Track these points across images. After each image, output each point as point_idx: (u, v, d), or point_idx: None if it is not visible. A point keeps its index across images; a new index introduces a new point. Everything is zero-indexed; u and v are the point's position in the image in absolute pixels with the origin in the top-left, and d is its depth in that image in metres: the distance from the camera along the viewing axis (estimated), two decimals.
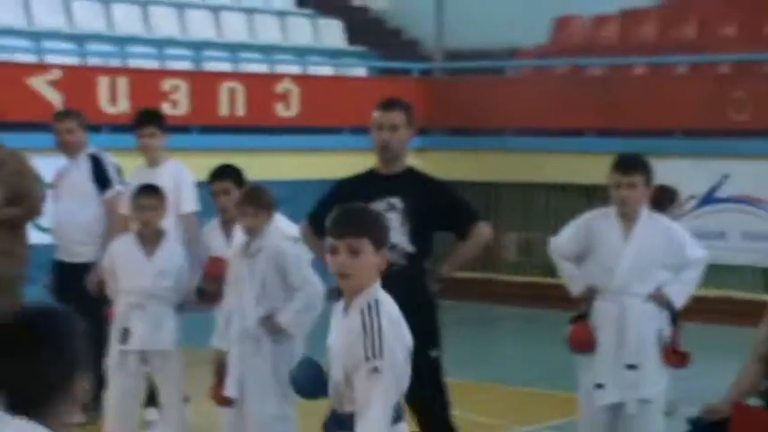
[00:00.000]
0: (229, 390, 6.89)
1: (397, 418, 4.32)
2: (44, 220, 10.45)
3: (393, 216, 6.50)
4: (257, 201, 6.87)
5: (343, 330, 4.35)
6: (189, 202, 8.62)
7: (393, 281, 6.40)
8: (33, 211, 9.39)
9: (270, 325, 6.83)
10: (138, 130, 8.66)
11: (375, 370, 4.17)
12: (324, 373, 4.45)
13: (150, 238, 7.58)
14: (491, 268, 17.28)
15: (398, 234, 6.48)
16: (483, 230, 6.70)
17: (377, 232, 4.34)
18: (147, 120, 8.76)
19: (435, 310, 6.63)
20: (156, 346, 7.49)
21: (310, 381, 4.53)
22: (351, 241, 4.27)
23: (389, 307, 4.37)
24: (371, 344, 4.20)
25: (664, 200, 8.73)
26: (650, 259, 6.68)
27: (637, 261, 6.67)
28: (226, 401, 6.96)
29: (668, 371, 6.85)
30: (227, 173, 7.61)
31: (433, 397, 6.53)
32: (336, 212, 4.48)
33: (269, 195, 6.94)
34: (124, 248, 7.65)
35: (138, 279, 7.52)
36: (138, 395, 7.62)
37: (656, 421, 6.78)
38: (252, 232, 6.88)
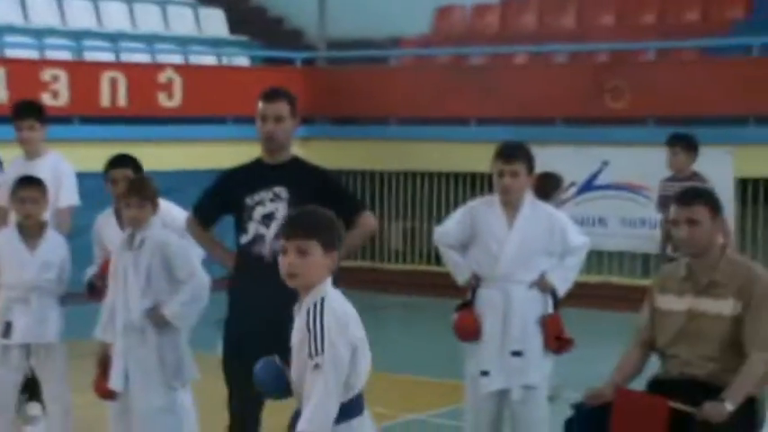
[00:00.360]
0: (114, 383, 6.83)
1: (352, 413, 4.46)
2: None
3: (279, 206, 6.49)
4: (142, 192, 6.82)
5: (296, 329, 4.58)
6: (69, 195, 8.50)
7: (279, 271, 6.46)
8: None
9: (155, 317, 6.79)
10: (18, 122, 8.52)
11: (316, 366, 4.38)
12: (285, 373, 4.60)
13: (32, 231, 7.47)
14: (376, 257, 17.35)
15: None
16: (368, 220, 6.72)
17: (326, 234, 4.49)
18: (26, 112, 8.62)
19: None
20: (41, 339, 7.40)
21: (272, 380, 4.66)
22: (299, 242, 4.45)
23: (336, 304, 4.49)
24: (314, 341, 4.39)
25: (548, 186, 8.86)
26: (534, 246, 6.77)
27: (520, 248, 6.75)
28: (110, 394, 6.91)
29: (551, 357, 6.96)
30: (126, 161, 7.53)
31: None
32: (289, 214, 4.72)
33: (153, 186, 6.89)
34: (5, 241, 7.52)
35: (21, 272, 7.41)
36: (18, 389, 7.51)
37: (541, 407, 6.88)
38: (136, 223, 6.82)
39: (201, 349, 8.51)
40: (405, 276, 16.90)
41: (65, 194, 8.49)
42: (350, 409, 4.46)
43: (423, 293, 15.62)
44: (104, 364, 6.91)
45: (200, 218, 6.79)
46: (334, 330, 4.41)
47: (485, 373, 6.78)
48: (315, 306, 4.49)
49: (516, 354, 6.74)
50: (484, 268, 6.81)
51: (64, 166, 8.54)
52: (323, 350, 4.39)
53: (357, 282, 16.46)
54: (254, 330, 6.51)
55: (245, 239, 6.55)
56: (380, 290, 16.15)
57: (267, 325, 6.48)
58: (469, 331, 6.83)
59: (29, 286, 7.40)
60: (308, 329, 4.45)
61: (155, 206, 6.87)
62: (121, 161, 7.53)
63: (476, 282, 6.85)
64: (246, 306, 6.59)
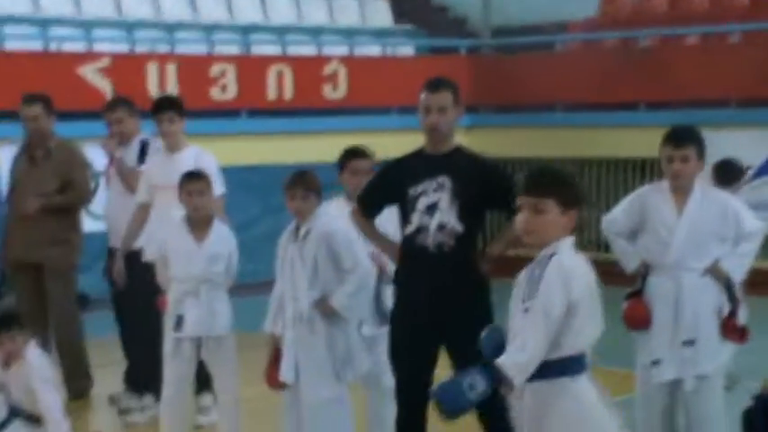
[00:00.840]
0: (284, 374, 6.88)
1: (567, 371, 4.44)
2: (97, 208, 10.51)
3: (442, 196, 6.43)
4: (306, 183, 6.85)
5: (517, 284, 4.57)
6: (216, 186, 8.61)
7: (445, 262, 6.42)
8: (83, 199, 9.44)
9: (323, 308, 6.81)
10: (158, 116, 8.62)
11: (526, 310, 4.39)
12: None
13: (200, 224, 7.56)
14: None
15: (448, 214, 6.42)
16: None
17: (563, 193, 4.44)
18: (165, 105, 8.71)
19: (487, 291, 6.56)
20: (211, 331, 7.48)
21: (496, 348, 4.51)
22: (535, 201, 4.41)
23: (567, 261, 4.43)
24: (528, 288, 4.39)
25: (729, 175, 8.63)
26: (705, 232, 6.57)
27: (691, 235, 6.56)
28: (280, 385, 6.95)
29: (728, 345, 6.74)
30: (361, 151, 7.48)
31: None
32: (529, 172, 4.64)
33: (316, 178, 6.92)
34: (174, 235, 7.63)
35: (190, 265, 7.50)
36: (192, 381, 7.62)
37: (716, 397, 6.67)
38: (301, 215, 6.86)
39: None
40: None
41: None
42: (565, 368, 4.43)
43: None
44: (275, 356, 6.96)
45: (364, 208, 6.77)
46: (553, 282, 4.37)
47: (656, 363, 6.61)
48: (542, 260, 4.46)
49: (688, 343, 6.55)
50: (654, 256, 6.64)
51: (205, 157, 8.60)
52: (534, 296, 4.37)
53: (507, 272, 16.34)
54: (420, 321, 6.48)
55: (408, 230, 6.51)
56: None
57: (433, 315, 6.45)
58: (639, 320, 6.66)
59: (198, 279, 7.48)
60: (528, 280, 4.44)
61: (319, 198, 6.88)
62: (359, 152, 7.51)
63: (645, 270, 6.69)
64: (412, 297, 6.55)
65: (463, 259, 6.43)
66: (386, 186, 6.70)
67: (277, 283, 7.01)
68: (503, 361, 4.31)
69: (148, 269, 7.87)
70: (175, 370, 7.51)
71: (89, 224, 10.98)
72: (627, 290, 6.82)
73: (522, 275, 4.53)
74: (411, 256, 6.52)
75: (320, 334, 6.88)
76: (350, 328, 6.98)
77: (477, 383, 4.21)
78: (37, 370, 7.91)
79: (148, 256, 8.33)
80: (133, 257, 8.69)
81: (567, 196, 4.44)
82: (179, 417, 7.54)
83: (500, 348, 4.46)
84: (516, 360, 4.35)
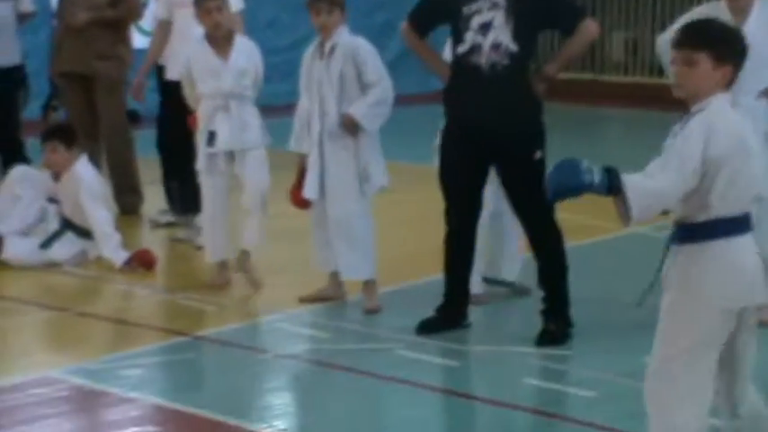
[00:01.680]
0: (308, 191, 6.93)
1: (730, 231, 4.21)
2: (146, 24, 10.46)
3: (496, 14, 6.32)
4: None
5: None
6: (234, 1, 8.52)
7: (498, 81, 6.35)
8: (133, 14, 9.40)
9: (345, 119, 6.85)
10: None
11: (664, 149, 4.21)
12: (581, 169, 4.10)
13: (222, 41, 7.50)
14: (596, 68, 17.00)
15: (502, 33, 6.32)
16: (590, 27, 6.48)
17: (718, 47, 4.24)
18: None
19: (541, 111, 6.50)
20: (243, 145, 7.48)
21: (569, 174, 4.11)
22: (686, 53, 4.23)
23: (716, 117, 4.21)
24: (673, 136, 4.23)
25: None
26: (765, 53, 6.45)
27: (750, 55, 6.42)
28: (304, 204, 7.02)
29: None
30: None
31: (539, 200, 6.42)
32: (685, 23, 4.47)
33: None
34: (196, 53, 7.57)
35: (218, 81, 7.46)
36: (227, 194, 7.64)
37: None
38: (326, 31, 6.85)
39: (420, 161, 8.56)
40: (626, 89, 16.54)
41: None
42: (716, 230, 4.22)
43: (644, 106, 15.28)
44: (300, 175, 6.99)
45: (417, 26, 6.68)
46: (694, 134, 4.17)
47: None
48: (691, 114, 4.27)
49: None
50: None
51: None
52: (675, 139, 4.21)
53: (577, 94, 16.25)
54: (471, 141, 6.45)
55: (461, 49, 6.42)
56: (601, 102, 15.87)
57: (484, 135, 6.41)
58: None
59: (227, 95, 7.46)
60: (675, 133, 4.23)
61: (343, 13, 6.89)
62: None
63: None
64: (463, 117, 6.50)
65: (517, 79, 6.36)
66: (439, 3, 6.60)
67: (301, 102, 7.03)
68: (626, 177, 4.08)
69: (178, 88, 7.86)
70: (212, 186, 7.55)
71: (139, 40, 10.96)
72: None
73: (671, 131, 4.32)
74: (463, 75, 6.44)
75: (349, 149, 6.91)
76: (375, 143, 7.03)
77: (594, 173, 4.00)
78: (85, 184, 8.01)
79: (172, 75, 8.35)
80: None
81: (721, 50, 4.24)
82: (221, 232, 7.58)
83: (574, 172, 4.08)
84: (640, 183, 4.11)
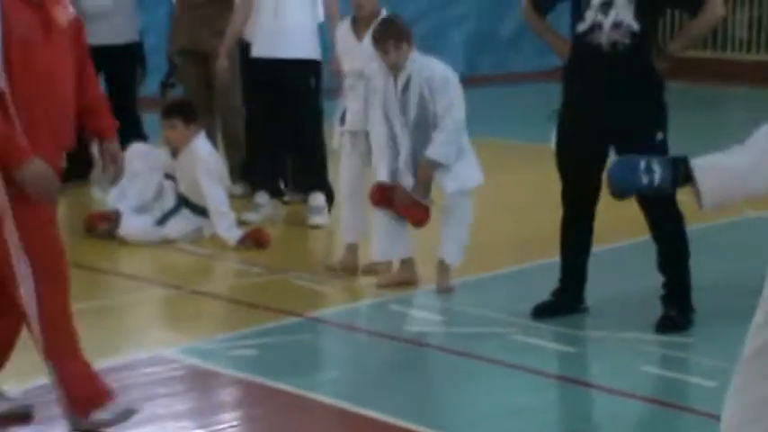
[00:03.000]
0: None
1: None
2: None
3: None
4: (396, 34, 6.84)
5: None
6: None
7: (619, 61, 6.19)
8: None
9: (425, 164, 6.83)
10: None
11: None
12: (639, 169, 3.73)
13: (362, 21, 7.49)
14: (718, 46, 16.64)
15: (624, 11, 6.15)
16: (716, 5, 6.29)
17: None
18: None
19: (662, 91, 6.32)
20: (364, 126, 7.43)
21: (626, 175, 3.74)
22: None
23: None
24: None
25: None
26: None
27: None
28: (423, 218, 6.99)
29: None
30: None
31: None
32: None
33: (405, 24, 6.93)
34: (341, 33, 7.73)
35: (352, 61, 7.51)
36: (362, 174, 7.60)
37: None
38: (398, 68, 6.84)
39: (535, 140, 8.46)
40: (750, 67, 16.17)
41: None
42: None
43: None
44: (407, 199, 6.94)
45: (537, 3, 6.54)
46: None
47: None
48: None
49: None
50: None
51: None
52: None
53: (699, 73, 15.93)
54: (590, 121, 6.30)
55: (582, 28, 6.27)
56: (724, 81, 15.54)
57: (603, 116, 6.26)
58: None
59: (357, 74, 7.45)
60: None
61: (411, 42, 6.88)
62: None
63: None
64: (582, 97, 6.35)
65: (638, 58, 6.19)
66: None
67: (377, 128, 7.04)
68: (699, 161, 3.63)
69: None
70: (347, 165, 7.56)
71: None
72: None
73: None
74: (583, 54, 6.29)
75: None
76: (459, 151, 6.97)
77: (655, 169, 3.68)
78: (202, 162, 8.03)
79: (257, 52, 8.36)
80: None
81: None
82: (355, 213, 7.52)
83: (633, 172, 3.73)
84: (715, 164, 3.61)
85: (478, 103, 8.53)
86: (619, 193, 3.78)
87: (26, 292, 4.70)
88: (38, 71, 4.61)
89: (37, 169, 4.59)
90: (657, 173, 3.64)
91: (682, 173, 3.62)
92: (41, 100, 4.64)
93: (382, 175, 6.99)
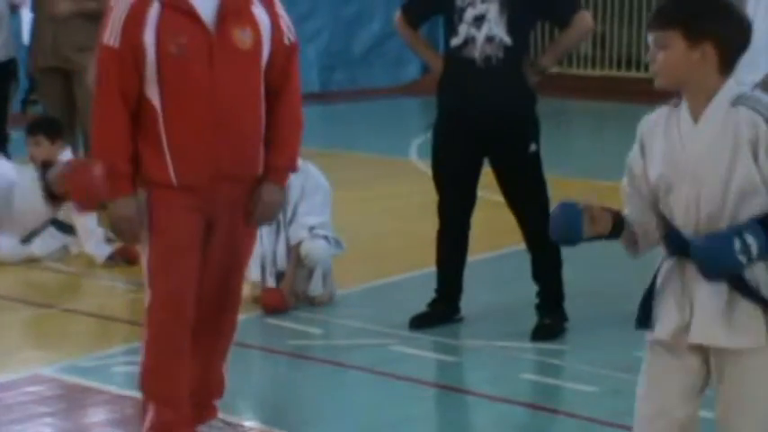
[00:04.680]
0: None
1: None
2: None
3: (490, 6, 6.25)
4: None
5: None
6: None
7: (493, 74, 6.29)
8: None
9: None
10: None
11: None
12: (580, 220, 3.58)
13: None
14: (564, 63, 17.01)
15: (496, 26, 6.26)
16: (585, 18, 6.45)
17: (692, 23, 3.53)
18: None
19: (534, 104, 6.45)
20: None
21: (568, 225, 3.62)
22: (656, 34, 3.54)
23: None
24: None
25: None
26: (757, 45, 6.40)
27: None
28: None
29: None
30: None
31: (536, 192, 6.41)
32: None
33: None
34: None
35: None
36: None
37: None
38: None
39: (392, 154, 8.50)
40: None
41: None
42: None
43: (611, 99, 15.38)
44: None
45: (410, 17, 6.61)
46: None
47: None
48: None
49: None
50: None
51: None
52: None
53: (545, 87, 16.20)
54: (465, 134, 6.40)
55: (455, 42, 6.36)
56: (569, 96, 15.86)
57: (478, 128, 6.36)
58: None
59: None
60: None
61: None
62: None
63: None
64: (456, 109, 6.45)
65: (511, 72, 6.31)
66: None
67: None
68: None
69: None
70: None
71: None
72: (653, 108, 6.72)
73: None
74: (457, 68, 6.38)
75: None
76: None
77: (751, 243, 3.37)
78: None
79: None
80: None
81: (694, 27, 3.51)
82: None
83: (574, 223, 3.59)
84: None
85: (334, 118, 8.55)
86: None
87: None
88: (194, 92, 4.44)
89: (120, 211, 4.46)
90: (754, 246, 3.40)
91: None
92: (197, 123, 4.44)
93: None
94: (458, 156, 6.44)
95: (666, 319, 3.59)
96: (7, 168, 3.55)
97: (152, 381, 4.69)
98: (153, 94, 4.41)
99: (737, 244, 3.38)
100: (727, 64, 3.53)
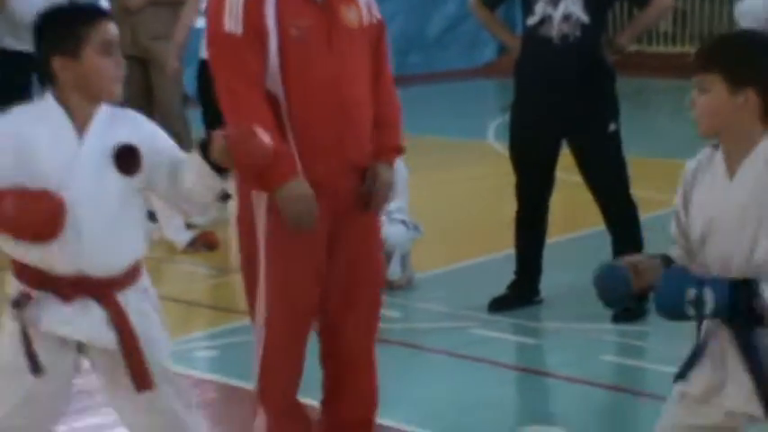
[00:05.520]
0: None
1: None
2: (203, 4, 10.33)
3: None
4: None
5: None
6: None
7: (570, 53, 6.24)
8: None
9: None
10: None
11: None
12: (629, 280, 3.46)
13: None
14: (644, 40, 16.84)
15: (573, 4, 6.21)
16: None
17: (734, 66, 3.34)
18: None
19: (613, 83, 6.39)
20: None
21: (615, 287, 3.51)
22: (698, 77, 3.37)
23: None
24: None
25: None
26: None
27: None
28: None
29: None
30: None
31: (616, 172, 6.35)
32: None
33: None
34: None
35: None
36: None
37: None
38: None
39: (481, 137, 8.49)
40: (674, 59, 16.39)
41: None
42: None
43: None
44: None
45: None
46: None
47: None
48: None
49: None
50: None
51: None
52: None
53: (624, 66, 16.07)
54: (543, 114, 6.35)
55: (531, 21, 6.32)
56: (648, 75, 15.71)
57: (555, 108, 6.32)
58: None
59: None
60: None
61: None
62: None
63: None
64: (534, 89, 6.40)
65: (588, 51, 6.25)
66: None
67: None
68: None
69: None
70: None
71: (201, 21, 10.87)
72: None
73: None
74: (534, 47, 6.34)
75: None
76: None
77: (707, 301, 3.23)
78: None
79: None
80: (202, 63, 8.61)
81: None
82: None
83: (622, 285, 3.46)
84: None
85: (410, 101, 8.47)
86: (609, 303, 3.56)
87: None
88: (318, 78, 4.08)
89: (295, 191, 4.04)
90: (710, 304, 3.25)
91: (743, 299, 3.26)
92: (322, 110, 4.09)
93: None
94: (536, 137, 6.40)
95: (701, 376, 3.48)
96: (170, 145, 3.49)
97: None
98: (274, 83, 4.08)
99: (691, 294, 3.23)
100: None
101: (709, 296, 3.22)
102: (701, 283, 3.25)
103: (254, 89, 4.05)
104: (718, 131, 3.39)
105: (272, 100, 4.06)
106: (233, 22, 4.03)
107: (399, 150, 4.37)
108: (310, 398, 4.63)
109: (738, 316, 3.26)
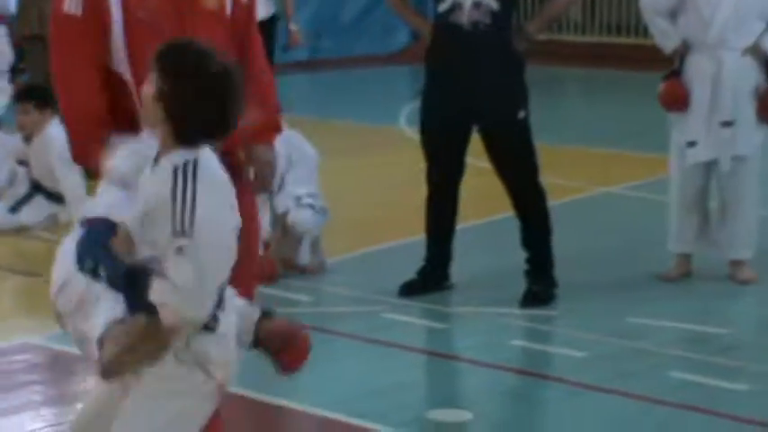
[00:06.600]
0: None
1: None
2: None
3: None
4: None
5: None
6: None
7: (480, 40, 6.28)
8: None
9: None
10: None
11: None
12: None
13: None
14: (554, 29, 16.97)
15: None
16: None
17: None
18: None
19: (523, 70, 6.43)
20: None
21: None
22: None
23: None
24: None
25: None
26: (749, 9, 6.44)
27: (735, 11, 6.42)
28: None
29: (764, 129, 6.68)
30: None
31: (525, 159, 6.40)
32: None
33: None
34: None
35: None
36: None
37: (752, 180, 6.66)
38: None
39: (392, 123, 8.51)
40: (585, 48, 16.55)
41: None
42: None
43: (601, 66, 15.34)
44: None
45: None
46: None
47: (691, 144, 6.55)
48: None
49: (726, 124, 6.49)
50: (694, 34, 6.51)
51: None
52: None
53: (535, 54, 16.17)
54: (453, 101, 6.38)
55: (442, 8, 6.33)
56: (559, 63, 15.84)
57: (466, 95, 6.35)
58: (677, 99, 6.57)
59: None
60: None
61: None
62: None
63: (684, 49, 6.57)
64: (445, 76, 6.43)
65: (498, 38, 6.29)
66: None
67: None
68: None
69: None
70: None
71: None
72: (663, 73, 6.72)
73: None
74: (445, 34, 6.36)
75: None
76: None
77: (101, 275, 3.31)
78: (57, 147, 7.87)
79: None
80: None
81: None
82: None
83: None
84: None
85: (322, 86, 8.51)
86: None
87: None
88: None
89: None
90: (103, 276, 3.32)
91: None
92: None
93: None
94: (446, 123, 6.43)
95: None
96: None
97: None
98: (122, 64, 3.96)
99: (88, 264, 3.31)
100: None
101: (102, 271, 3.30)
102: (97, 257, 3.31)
103: (89, 71, 3.92)
104: None
105: (119, 81, 3.94)
106: (73, 3, 3.90)
107: (277, 129, 4.27)
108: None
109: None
